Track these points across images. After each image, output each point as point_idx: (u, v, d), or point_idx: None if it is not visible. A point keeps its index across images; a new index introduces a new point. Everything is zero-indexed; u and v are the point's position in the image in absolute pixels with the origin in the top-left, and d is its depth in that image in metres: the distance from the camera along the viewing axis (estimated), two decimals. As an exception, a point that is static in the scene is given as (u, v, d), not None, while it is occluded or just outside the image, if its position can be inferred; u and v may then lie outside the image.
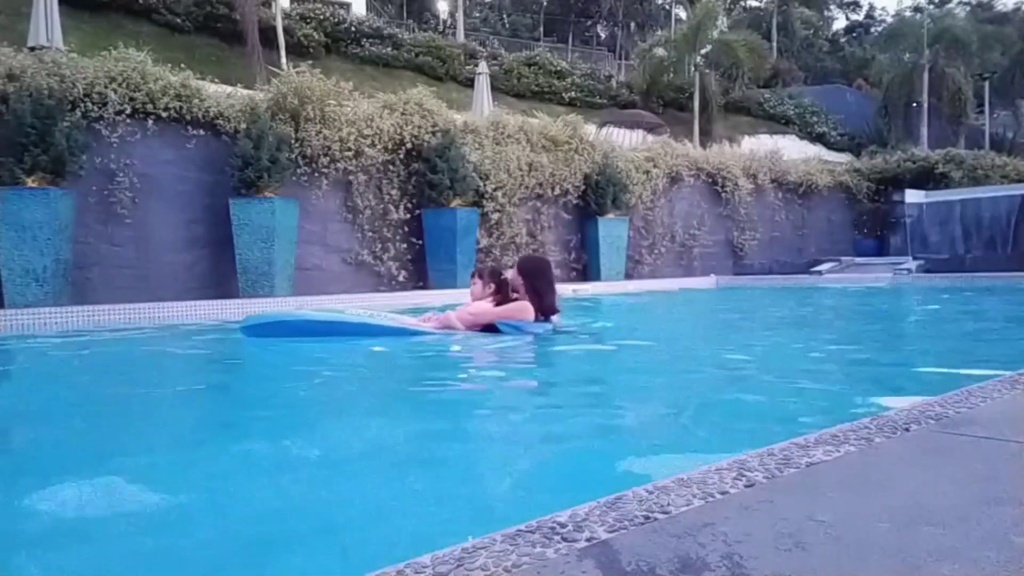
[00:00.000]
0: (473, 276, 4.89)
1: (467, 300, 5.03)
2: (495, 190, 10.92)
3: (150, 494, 1.79)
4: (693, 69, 23.44)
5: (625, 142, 15.58)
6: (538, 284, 4.74)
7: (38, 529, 1.60)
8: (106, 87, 8.00)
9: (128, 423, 2.76)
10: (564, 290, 11.10)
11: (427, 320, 4.83)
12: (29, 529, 1.60)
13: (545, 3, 38.74)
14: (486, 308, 4.62)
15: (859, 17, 48.04)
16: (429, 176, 10.02)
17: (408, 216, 10.34)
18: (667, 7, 40.07)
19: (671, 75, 24.73)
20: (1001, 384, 2.20)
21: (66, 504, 1.72)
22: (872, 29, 44.13)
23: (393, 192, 10.27)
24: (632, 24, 39.62)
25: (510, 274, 4.84)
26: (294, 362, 4.33)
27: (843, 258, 14.61)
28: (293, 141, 9.11)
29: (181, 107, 8.50)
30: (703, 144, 18.19)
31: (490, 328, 4.61)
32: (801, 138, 26.03)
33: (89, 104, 7.89)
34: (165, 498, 1.77)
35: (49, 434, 2.61)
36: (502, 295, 4.71)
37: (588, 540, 1.05)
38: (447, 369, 4.16)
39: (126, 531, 1.57)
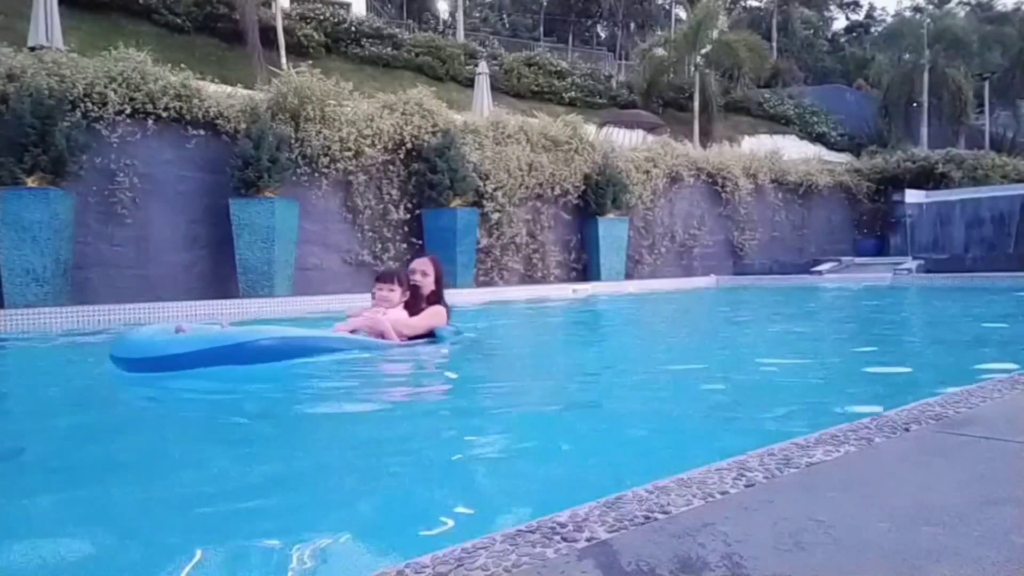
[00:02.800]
0: (389, 281, 4.22)
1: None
2: (495, 190, 10.92)
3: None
4: (693, 69, 23.44)
5: (625, 142, 15.58)
6: (442, 287, 4.52)
7: None
8: (106, 87, 8.00)
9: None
10: (564, 290, 11.13)
11: (354, 321, 4.14)
12: None
13: (545, 3, 38.74)
14: (407, 318, 4.19)
15: (859, 17, 48.04)
16: (429, 176, 10.02)
17: (408, 216, 10.34)
18: (667, 7, 40.09)
19: (671, 75, 24.73)
20: (1001, 384, 2.21)
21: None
22: (872, 29, 44.13)
23: (393, 192, 10.27)
24: (632, 24, 39.63)
25: (418, 278, 4.41)
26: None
27: (843, 258, 14.59)
28: (293, 141, 9.11)
29: (181, 107, 8.50)
30: (703, 144, 18.18)
31: (415, 337, 4.22)
32: (801, 138, 26.03)
33: (89, 104, 7.89)
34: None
35: None
36: (415, 302, 4.32)
37: (588, 540, 1.05)
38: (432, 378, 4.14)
39: None
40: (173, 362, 3.30)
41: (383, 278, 4.23)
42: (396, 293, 4.15)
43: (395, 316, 4.13)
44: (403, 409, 3.09)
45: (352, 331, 4.04)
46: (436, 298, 4.42)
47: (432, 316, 4.29)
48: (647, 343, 5.96)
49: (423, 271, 4.43)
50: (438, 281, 4.47)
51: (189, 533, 1.60)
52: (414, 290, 4.32)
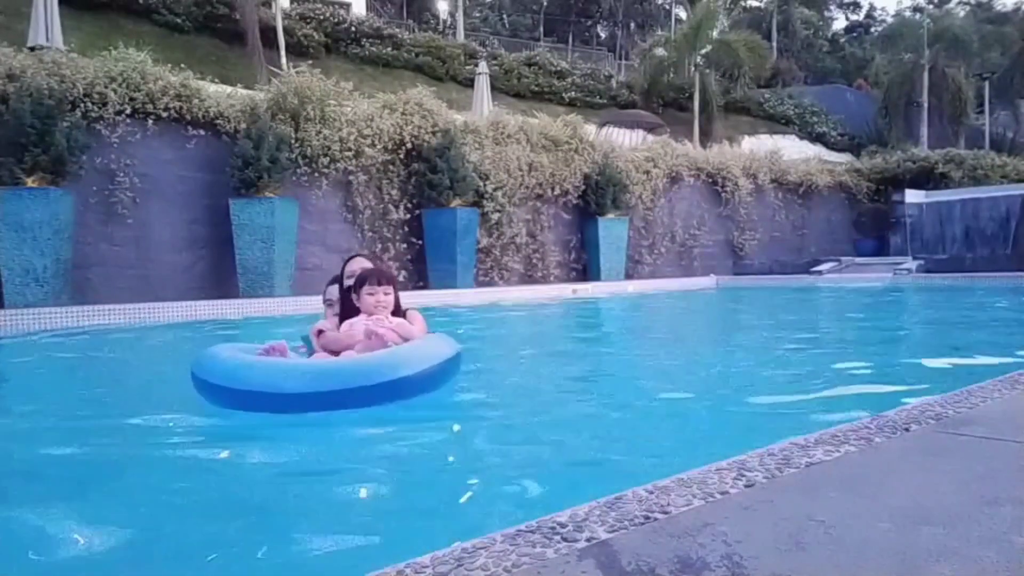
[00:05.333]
0: (388, 283, 3.25)
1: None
2: (495, 190, 10.92)
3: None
4: (693, 69, 23.44)
5: (625, 142, 15.59)
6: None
7: None
8: (106, 87, 8.01)
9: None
10: (564, 290, 11.13)
11: (381, 330, 3.08)
12: None
13: (545, 3, 38.75)
14: (410, 327, 3.27)
15: (859, 17, 48.07)
16: (429, 176, 10.02)
17: (408, 216, 10.34)
18: (667, 7, 40.10)
19: (671, 75, 24.73)
20: (1001, 384, 2.20)
21: None
22: (872, 29, 44.16)
23: (393, 192, 10.27)
24: (632, 24, 39.66)
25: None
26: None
27: (843, 258, 14.60)
28: (293, 141, 9.11)
29: (181, 107, 8.51)
30: (703, 144, 18.19)
31: None
32: (801, 138, 26.03)
33: (89, 104, 7.89)
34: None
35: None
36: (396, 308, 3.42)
37: (588, 540, 1.05)
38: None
39: None
40: (308, 402, 2.41)
41: (380, 280, 3.26)
42: (392, 296, 3.30)
43: (403, 324, 3.25)
44: (400, 408, 3.08)
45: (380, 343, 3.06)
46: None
47: (424, 321, 3.60)
48: (647, 343, 5.96)
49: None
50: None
51: (195, 531, 1.60)
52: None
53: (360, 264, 3.65)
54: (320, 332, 3.19)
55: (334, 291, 3.54)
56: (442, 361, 2.80)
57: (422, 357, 2.71)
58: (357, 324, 3.11)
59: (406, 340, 3.01)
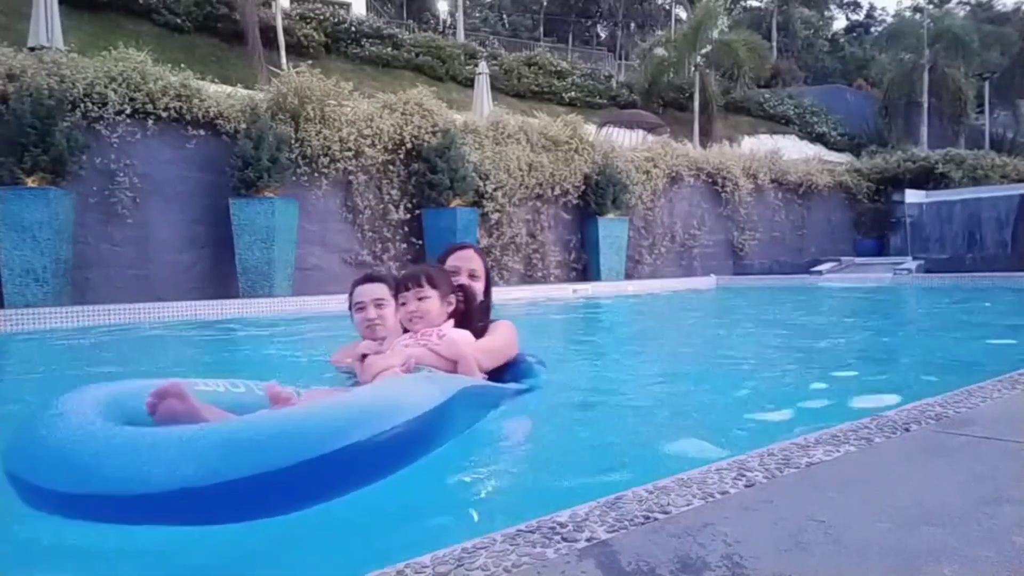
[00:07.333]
0: (418, 284, 2.38)
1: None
2: (495, 190, 10.92)
3: None
4: (693, 69, 23.46)
5: (625, 142, 15.58)
6: (491, 295, 2.88)
7: None
8: (106, 87, 8.01)
9: None
10: (564, 290, 11.13)
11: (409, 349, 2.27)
12: None
13: (545, 3, 38.77)
14: (475, 339, 2.44)
15: (859, 17, 48.14)
16: (429, 176, 10.03)
17: (408, 216, 10.34)
18: (667, 7, 40.14)
19: (671, 75, 24.75)
20: (1001, 384, 2.21)
21: None
22: (872, 29, 44.20)
23: (393, 192, 10.28)
24: (632, 24, 39.71)
25: (465, 279, 2.70)
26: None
27: (843, 258, 14.60)
28: (293, 141, 9.12)
29: (181, 107, 8.51)
30: (703, 144, 18.20)
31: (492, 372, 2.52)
32: (801, 138, 26.06)
33: (89, 104, 7.89)
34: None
35: None
36: (466, 314, 2.54)
37: (588, 540, 1.05)
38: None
39: None
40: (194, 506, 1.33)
41: (408, 282, 2.38)
42: (433, 300, 2.38)
43: (462, 338, 2.36)
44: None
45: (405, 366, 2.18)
46: (487, 309, 2.71)
47: (507, 336, 2.61)
48: (646, 342, 5.96)
49: (471, 271, 2.73)
50: (488, 285, 2.81)
51: (187, 535, 1.59)
52: (467, 297, 2.55)
53: (459, 260, 2.74)
54: (364, 356, 2.22)
55: (366, 291, 2.63)
56: (397, 425, 1.60)
57: (343, 418, 1.52)
58: (398, 346, 2.29)
59: (453, 357, 2.22)
